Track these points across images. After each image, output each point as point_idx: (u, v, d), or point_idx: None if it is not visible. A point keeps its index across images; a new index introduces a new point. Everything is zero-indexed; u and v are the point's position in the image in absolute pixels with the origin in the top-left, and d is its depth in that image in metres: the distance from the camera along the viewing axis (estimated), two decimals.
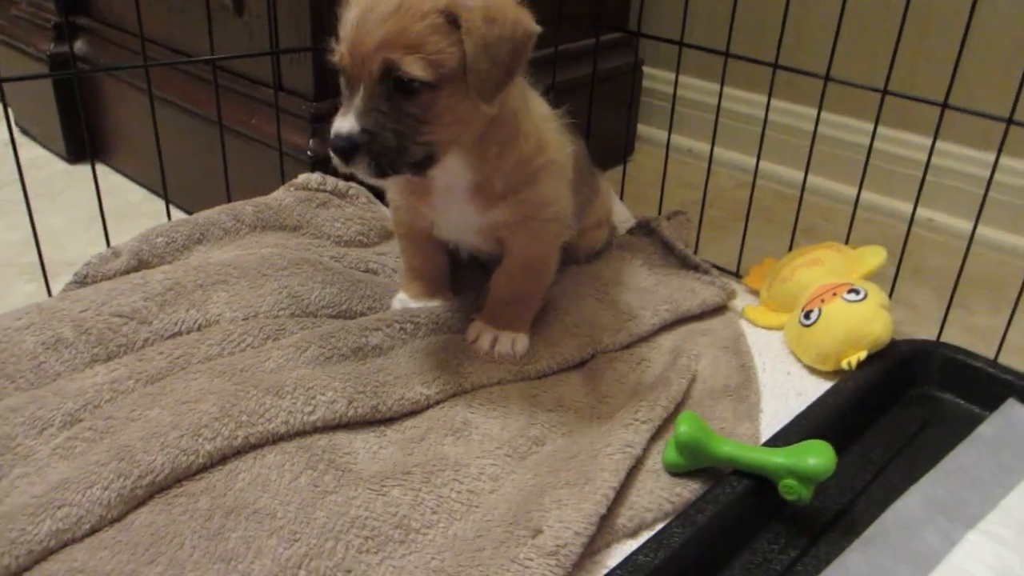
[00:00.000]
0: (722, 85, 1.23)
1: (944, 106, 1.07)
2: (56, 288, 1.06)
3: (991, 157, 1.07)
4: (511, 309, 1.00)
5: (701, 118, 1.71)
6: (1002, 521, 0.81)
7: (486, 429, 0.88)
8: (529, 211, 0.94)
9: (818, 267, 1.14)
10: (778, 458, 0.83)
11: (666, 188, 1.40)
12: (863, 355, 1.02)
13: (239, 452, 0.79)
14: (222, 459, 0.78)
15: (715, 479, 0.86)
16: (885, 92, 1.11)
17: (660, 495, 0.84)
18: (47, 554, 0.70)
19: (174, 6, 1.38)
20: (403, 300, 1.05)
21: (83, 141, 1.61)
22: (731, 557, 0.81)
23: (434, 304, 1.04)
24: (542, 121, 0.94)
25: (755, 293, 1.23)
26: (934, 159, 1.13)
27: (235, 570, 0.69)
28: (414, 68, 0.77)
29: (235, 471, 0.77)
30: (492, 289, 1.01)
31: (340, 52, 0.80)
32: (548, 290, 1.04)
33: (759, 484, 0.84)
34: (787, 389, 1.05)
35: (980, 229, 1.08)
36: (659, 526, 0.80)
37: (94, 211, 1.12)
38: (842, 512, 0.87)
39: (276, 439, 0.81)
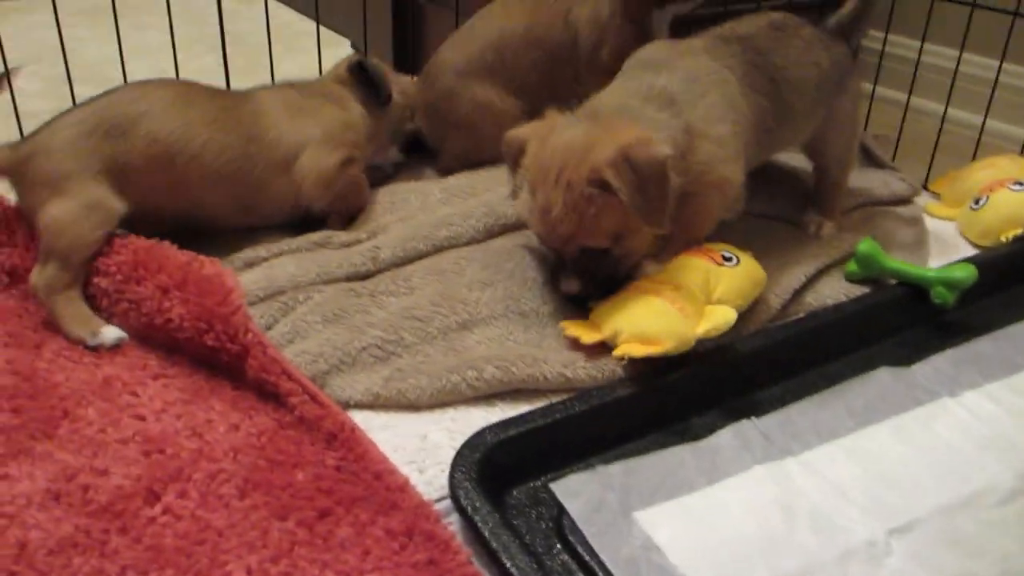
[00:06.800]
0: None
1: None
2: None
3: None
4: None
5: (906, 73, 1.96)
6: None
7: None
8: None
9: (991, 169, 1.42)
10: (932, 272, 1.15)
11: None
12: (1019, 231, 1.30)
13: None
14: None
15: (883, 287, 1.19)
16: None
17: (840, 290, 1.18)
18: None
19: None
20: None
21: (407, 58, 2.11)
22: (882, 338, 1.13)
23: None
24: None
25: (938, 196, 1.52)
26: None
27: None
28: (599, 244, 1.01)
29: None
30: None
31: (539, 234, 1.07)
32: None
33: (915, 291, 1.16)
34: (952, 257, 1.33)
35: None
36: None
37: None
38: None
39: None
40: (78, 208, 1.07)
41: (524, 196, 1.06)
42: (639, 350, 0.96)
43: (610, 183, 0.95)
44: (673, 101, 1.06)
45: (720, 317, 1.00)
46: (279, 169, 1.21)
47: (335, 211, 1.28)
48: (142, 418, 0.93)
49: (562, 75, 1.43)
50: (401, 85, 1.43)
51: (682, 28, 1.44)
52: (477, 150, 1.42)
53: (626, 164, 0.95)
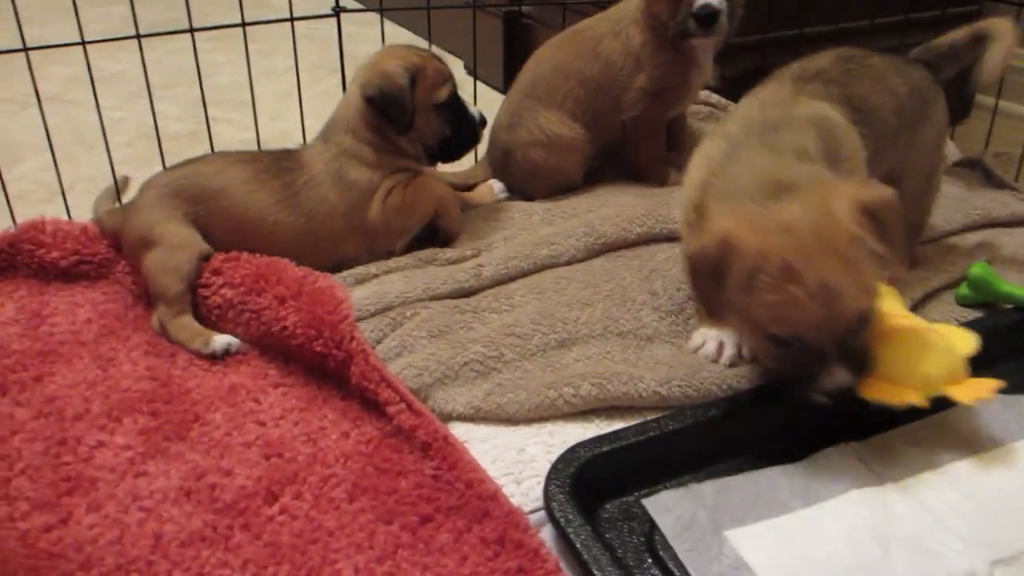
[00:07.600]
0: None
1: None
2: None
3: None
4: None
5: None
6: None
7: None
8: None
9: None
10: None
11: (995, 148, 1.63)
12: None
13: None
14: (645, 243, 1.23)
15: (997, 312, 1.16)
16: None
17: (950, 314, 1.15)
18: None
19: None
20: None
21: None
22: (993, 364, 1.03)
23: None
24: None
25: None
26: None
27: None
28: (871, 306, 0.91)
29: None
30: None
31: (793, 332, 0.90)
32: None
33: None
34: None
35: None
36: None
37: None
38: None
39: None
40: (165, 250, 1.19)
41: (765, 296, 0.89)
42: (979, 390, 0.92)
43: (864, 240, 0.88)
44: (829, 163, 1.01)
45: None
46: (343, 235, 1.28)
47: (414, 232, 1.33)
48: (263, 424, 1.01)
49: (601, 103, 1.48)
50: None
51: (724, 56, 1.48)
52: (557, 181, 1.50)
53: (864, 216, 0.89)
